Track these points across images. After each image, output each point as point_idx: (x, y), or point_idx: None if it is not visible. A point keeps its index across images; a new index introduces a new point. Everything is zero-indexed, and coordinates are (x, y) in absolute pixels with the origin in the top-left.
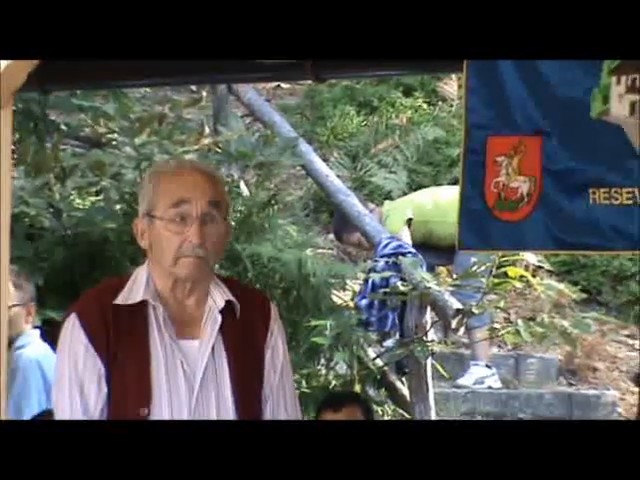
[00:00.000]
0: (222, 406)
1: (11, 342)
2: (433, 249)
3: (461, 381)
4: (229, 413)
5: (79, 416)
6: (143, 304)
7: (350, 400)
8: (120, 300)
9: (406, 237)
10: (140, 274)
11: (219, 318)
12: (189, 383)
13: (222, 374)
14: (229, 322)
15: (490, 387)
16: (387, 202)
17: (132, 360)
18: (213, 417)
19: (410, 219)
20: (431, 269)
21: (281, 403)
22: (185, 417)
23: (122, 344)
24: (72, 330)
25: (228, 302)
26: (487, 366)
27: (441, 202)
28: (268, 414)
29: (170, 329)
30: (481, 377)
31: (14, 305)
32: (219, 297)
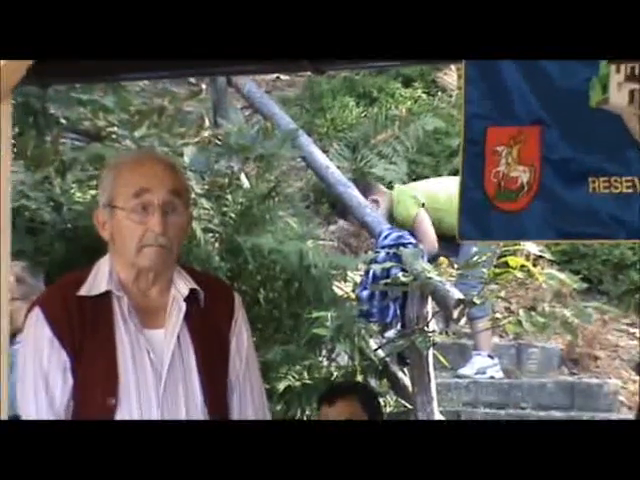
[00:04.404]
0: (190, 394)
1: (12, 337)
2: (442, 238)
3: (463, 371)
4: (197, 401)
5: (44, 410)
6: (107, 295)
7: (344, 392)
8: (83, 292)
9: (426, 222)
10: (102, 265)
11: (183, 307)
12: (156, 372)
13: (189, 362)
14: (193, 310)
15: (492, 377)
16: (397, 186)
17: (98, 351)
18: (181, 405)
19: (423, 204)
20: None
21: (247, 391)
22: (153, 406)
23: (87, 336)
24: (36, 324)
25: (192, 290)
26: (489, 356)
27: (451, 192)
28: (235, 402)
29: (135, 319)
30: (483, 367)
31: (15, 299)
32: (183, 286)
